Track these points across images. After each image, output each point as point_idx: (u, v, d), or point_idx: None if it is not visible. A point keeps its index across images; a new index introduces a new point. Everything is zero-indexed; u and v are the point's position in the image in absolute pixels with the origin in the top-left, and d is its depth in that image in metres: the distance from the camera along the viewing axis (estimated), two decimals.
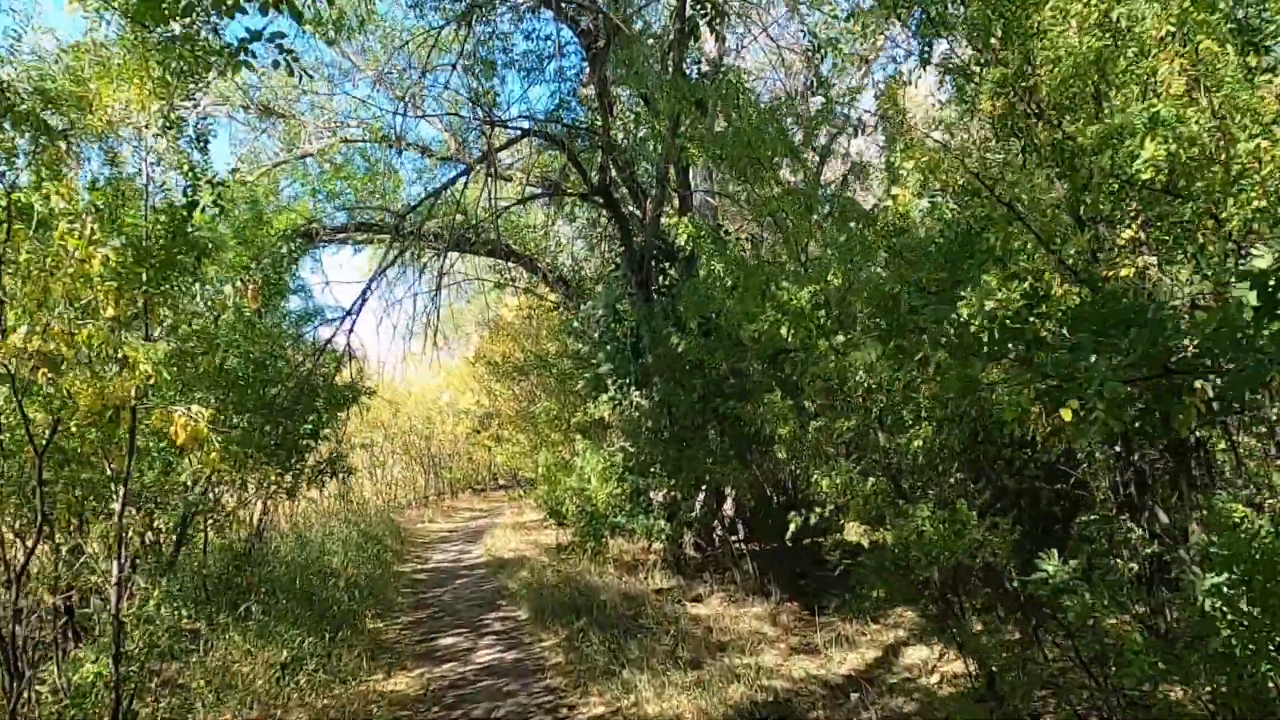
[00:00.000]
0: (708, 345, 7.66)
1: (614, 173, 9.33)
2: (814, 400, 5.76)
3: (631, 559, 11.35)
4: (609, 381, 9.94)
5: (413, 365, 27.22)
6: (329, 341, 8.65)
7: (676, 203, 10.30)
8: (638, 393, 10.35)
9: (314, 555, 11.68)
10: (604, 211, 10.25)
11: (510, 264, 12.50)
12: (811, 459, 5.29)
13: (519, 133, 8.41)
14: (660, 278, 9.12)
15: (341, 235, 11.39)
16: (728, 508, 10.17)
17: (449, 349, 30.94)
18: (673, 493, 8.66)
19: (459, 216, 9.77)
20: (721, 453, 7.75)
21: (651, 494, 10.04)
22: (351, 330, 8.40)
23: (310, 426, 7.52)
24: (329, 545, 12.01)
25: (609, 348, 9.60)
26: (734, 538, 9.57)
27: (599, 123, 9.15)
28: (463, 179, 8.84)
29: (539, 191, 10.18)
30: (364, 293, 8.43)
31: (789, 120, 6.61)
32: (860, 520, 4.87)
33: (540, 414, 14.38)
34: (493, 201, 8.39)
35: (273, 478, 7.25)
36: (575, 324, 9.52)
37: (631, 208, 10.16)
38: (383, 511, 18.92)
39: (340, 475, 9.57)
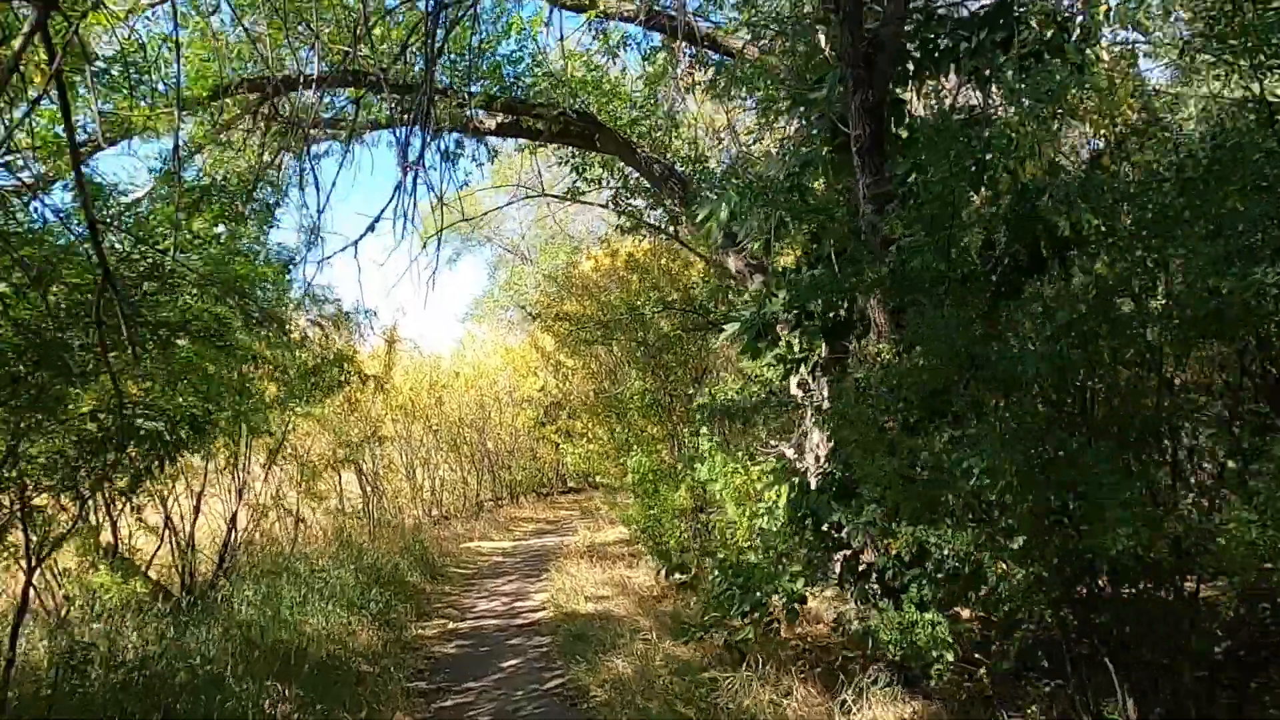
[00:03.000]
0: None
1: None
2: None
3: (801, 643, 6.52)
4: (786, 324, 5.23)
5: (469, 350, 22.98)
6: None
7: None
8: (811, 350, 5.60)
9: (279, 614, 7.34)
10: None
11: (593, 153, 7.87)
12: None
13: None
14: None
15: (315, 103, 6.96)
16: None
17: (506, 321, 26.74)
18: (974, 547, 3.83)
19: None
20: None
21: (842, 534, 5.25)
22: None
23: None
24: (303, 598, 7.63)
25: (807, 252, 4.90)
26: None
27: None
28: None
29: None
30: None
31: None
32: None
33: (631, 396, 9.77)
34: None
35: None
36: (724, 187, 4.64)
37: None
38: (420, 525, 14.64)
39: None
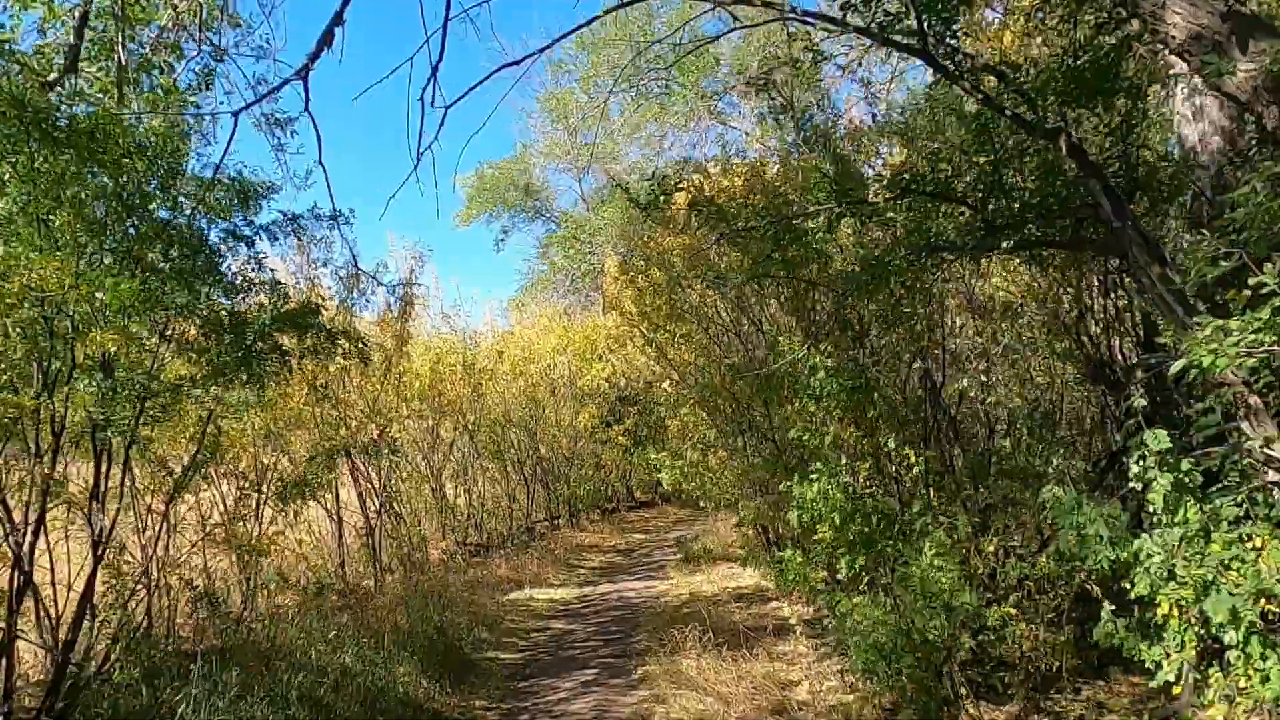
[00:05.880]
0: None
1: None
2: None
3: None
4: None
5: (517, 325, 18.75)
6: None
7: None
8: None
9: None
10: None
11: None
12: None
13: None
14: None
15: None
16: None
17: (562, 307, 22.52)
18: None
19: None
20: None
21: None
22: None
23: None
24: None
25: None
26: None
27: None
28: None
29: None
30: None
31: None
32: None
33: (809, 368, 5.31)
34: None
35: None
36: None
37: None
38: (450, 563, 10.44)
39: None
